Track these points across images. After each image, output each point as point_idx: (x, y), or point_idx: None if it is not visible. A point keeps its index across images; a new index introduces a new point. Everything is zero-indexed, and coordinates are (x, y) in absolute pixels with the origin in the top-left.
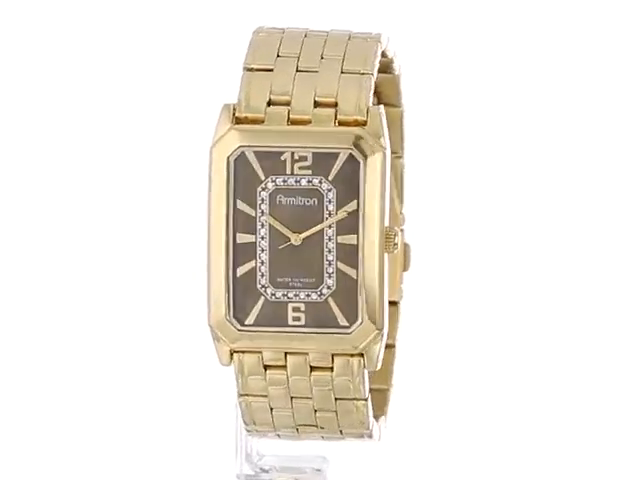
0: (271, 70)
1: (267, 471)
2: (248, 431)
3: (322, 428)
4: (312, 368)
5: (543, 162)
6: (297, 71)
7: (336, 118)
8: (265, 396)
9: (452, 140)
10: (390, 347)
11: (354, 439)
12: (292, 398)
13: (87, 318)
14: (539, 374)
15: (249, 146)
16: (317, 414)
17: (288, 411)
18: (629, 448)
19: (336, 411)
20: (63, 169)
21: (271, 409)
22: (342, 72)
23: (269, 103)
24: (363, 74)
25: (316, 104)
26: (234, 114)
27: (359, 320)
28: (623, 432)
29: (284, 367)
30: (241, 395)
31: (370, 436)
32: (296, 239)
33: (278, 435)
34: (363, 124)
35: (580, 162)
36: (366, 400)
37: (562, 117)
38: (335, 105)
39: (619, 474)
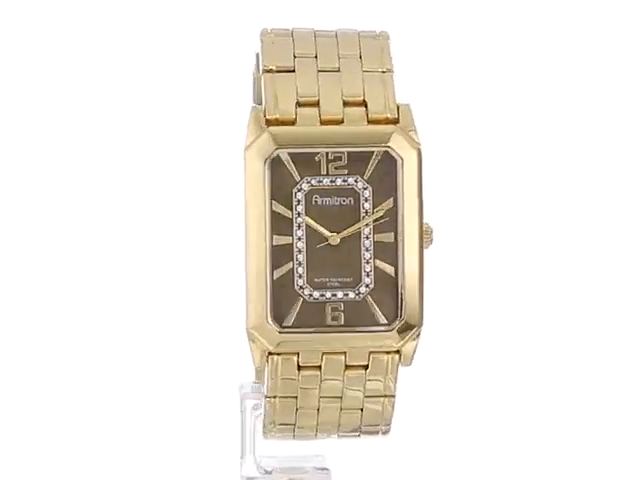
0: (292, 71)
1: (270, 472)
2: (265, 433)
3: (342, 427)
4: (346, 367)
5: (540, 159)
6: (319, 71)
7: (367, 117)
8: (294, 397)
9: (449, 137)
10: None
11: (368, 436)
12: (321, 398)
13: (96, 319)
14: (539, 373)
15: (284, 147)
16: (342, 412)
17: (313, 411)
18: (630, 453)
19: (362, 409)
20: (92, 175)
21: (296, 410)
22: (363, 71)
23: (297, 104)
24: (384, 72)
25: (345, 104)
26: (264, 116)
27: (399, 317)
28: (624, 436)
29: (318, 367)
30: (268, 397)
31: (386, 432)
32: (334, 239)
33: (294, 436)
34: (394, 122)
35: (582, 165)
36: (394, 397)
37: (558, 117)
38: (363, 104)
39: (619, 476)
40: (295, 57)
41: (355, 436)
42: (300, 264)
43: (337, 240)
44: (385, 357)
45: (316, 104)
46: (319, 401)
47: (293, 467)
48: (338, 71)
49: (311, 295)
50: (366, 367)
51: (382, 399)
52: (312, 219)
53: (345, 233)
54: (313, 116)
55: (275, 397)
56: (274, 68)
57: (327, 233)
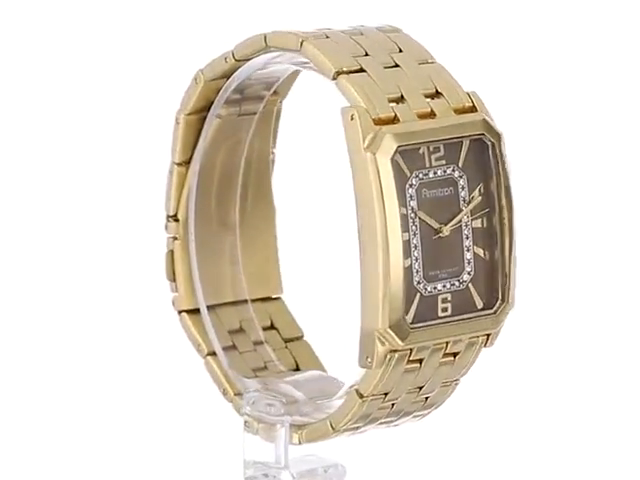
0: (361, 70)
1: (295, 477)
2: (331, 434)
3: (400, 416)
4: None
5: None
6: (384, 68)
7: (451, 107)
8: (386, 394)
9: None
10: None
11: (407, 421)
12: (407, 390)
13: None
14: (539, 374)
15: (402, 145)
16: (413, 400)
17: (389, 404)
18: (631, 460)
19: (429, 395)
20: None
21: (380, 404)
22: (418, 64)
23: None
24: (432, 63)
25: (424, 97)
26: (370, 116)
27: (498, 301)
28: (627, 444)
29: (420, 361)
30: (364, 397)
31: (423, 416)
32: (446, 230)
33: (354, 433)
34: (472, 109)
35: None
36: (459, 381)
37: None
38: (438, 95)
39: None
40: (354, 57)
41: (395, 425)
42: (417, 259)
43: (447, 232)
44: (477, 341)
45: (401, 100)
46: (404, 393)
47: (307, 470)
48: (397, 66)
49: (426, 289)
50: (456, 354)
51: (452, 383)
52: (424, 213)
53: (452, 223)
54: (409, 112)
55: (369, 396)
56: (345, 70)
57: (438, 225)
